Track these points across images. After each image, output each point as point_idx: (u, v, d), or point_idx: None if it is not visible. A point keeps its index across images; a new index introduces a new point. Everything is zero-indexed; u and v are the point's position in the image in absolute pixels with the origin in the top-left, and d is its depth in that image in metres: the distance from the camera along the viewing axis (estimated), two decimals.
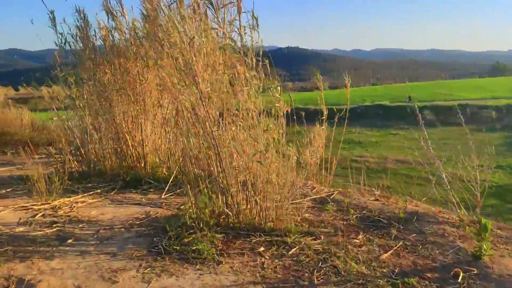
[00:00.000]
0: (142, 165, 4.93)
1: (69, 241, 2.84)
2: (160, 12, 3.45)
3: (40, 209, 3.59)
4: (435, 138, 32.58)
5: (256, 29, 3.08)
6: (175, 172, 4.45)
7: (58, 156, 5.92)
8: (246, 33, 3.14)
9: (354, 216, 3.39)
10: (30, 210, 3.57)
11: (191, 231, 2.91)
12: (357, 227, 3.20)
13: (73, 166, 5.11)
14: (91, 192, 4.23)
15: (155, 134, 5.10)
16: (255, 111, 2.93)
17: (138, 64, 4.87)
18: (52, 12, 5.09)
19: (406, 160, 26.92)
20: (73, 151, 5.24)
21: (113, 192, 4.30)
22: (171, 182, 4.33)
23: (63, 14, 5.23)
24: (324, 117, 4.57)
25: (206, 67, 2.94)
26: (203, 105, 2.89)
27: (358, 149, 29.11)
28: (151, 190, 4.39)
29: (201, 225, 2.94)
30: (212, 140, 2.97)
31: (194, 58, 2.87)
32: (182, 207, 3.33)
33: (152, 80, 4.99)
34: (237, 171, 3.00)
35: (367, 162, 25.38)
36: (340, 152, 4.99)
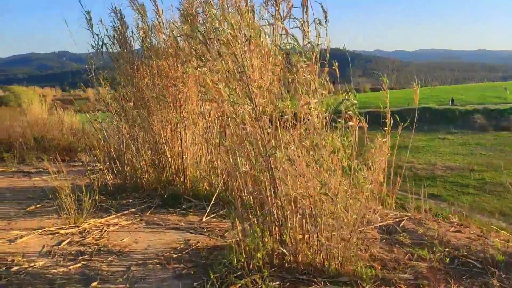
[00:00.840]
0: (182, 179, 4.46)
1: (94, 284, 2.36)
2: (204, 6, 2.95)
3: (67, 233, 3.17)
4: (487, 144, 30.85)
5: (324, 25, 2.51)
6: (218, 189, 3.94)
7: (94, 165, 5.57)
8: (309, 30, 2.59)
9: (438, 256, 2.74)
10: (57, 235, 3.15)
11: (239, 273, 2.38)
12: (444, 272, 2.56)
13: (108, 178, 4.71)
14: (125, 212, 3.79)
15: (195, 144, 4.63)
16: (319, 127, 2.36)
17: (177, 68, 4.42)
18: (88, 13, 4.73)
19: (457, 166, 25.46)
20: (108, 162, 4.85)
21: (150, 211, 3.84)
22: (213, 201, 3.83)
23: (100, 14, 4.87)
24: (389, 126, 3.93)
25: (262, 73, 2.40)
26: (257, 121, 2.35)
27: (404, 155, 27.64)
28: (191, 210, 3.90)
29: (251, 265, 2.41)
30: (266, 162, 2.43)
31: (249, 62, 2.33)
32: (228, 241, 2.80)
33: (193, 86, 4.53)
34: (295, 200, 2.44)
35: (414, 169, 24.12)
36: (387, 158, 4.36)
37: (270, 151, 2.35)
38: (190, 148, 4.55)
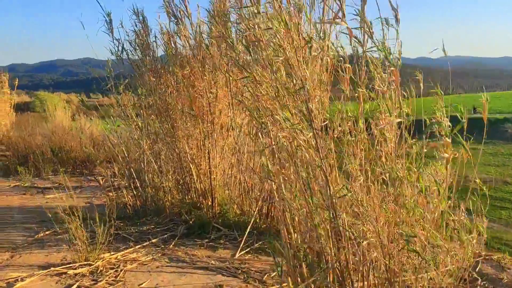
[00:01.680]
0: (209, 202, 3.93)
1: None
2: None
3: (76, 274, 2.65)
4: None
5: (394, 26, 1.96)
6: (252, 217, 3.39)
7: (112, 181, 5.10)
8: (373, 32, 2.04)
9: None
10: (64, 276, 2.63)
11: None
12: None
13: (127, 200, 4.22)
14: (145, 243, 3.27)
15: (224, 161, 4.10)
16: (398, 156, 1.79)
17: (205, 77, 3.91)
18: (108, 15, 4.27)
19: (489, 178, 24.28)
20: (127, 181, 4.36)
21: (173, 242, 3.31)
22: (247, 231, 3.28)
23: (121, 17, 4.40)
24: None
25: (321, 86, 1.85)
26: (318, 150, 1.79)
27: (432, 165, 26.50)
28: (221, 241, 3.36)
29: None
30: (326, 200, 1.86)
31: (308, 73, 1.78)
32: None
33: (223, 97, 4.01)
34: (364, 250, 1.87)
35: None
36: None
37: (333, 190, 1.79)
38: (219, 166, 4.02)
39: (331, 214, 1.84)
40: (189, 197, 4.11)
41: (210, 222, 3.64)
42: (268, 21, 2.00)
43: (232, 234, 3.47)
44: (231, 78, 3.55)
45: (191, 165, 4.01)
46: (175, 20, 3.94)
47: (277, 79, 1.87)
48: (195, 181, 4.04)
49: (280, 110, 1.85)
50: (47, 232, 3.56)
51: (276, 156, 2.07)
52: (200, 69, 3.92)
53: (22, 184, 5.70)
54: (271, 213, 3.62)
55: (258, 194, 3.59)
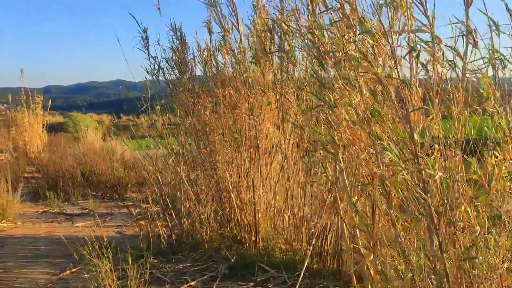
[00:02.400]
0: (252, 236, 3.49)
1: None
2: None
3: None
4: None
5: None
6: (307, 258, 2.93)
7: (145, 207, 4.75)
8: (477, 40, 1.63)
9: None
10: None
11: None
12: None
13: (160, 231, 3.82)
14: (183, 286, 2.85)
15: (269, 188, 3.68)
16: None
17: (249, 97, 3.53)
18: (145, 31, 3.98)
19: None
20: (162, 211, 3.98)
21: (214, 285, 2.88)
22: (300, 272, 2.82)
23: (158, 33, 4.12)
24: None
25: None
26: (427, 193, 1.35)
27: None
28: (269, 285, 2.90)
29: None
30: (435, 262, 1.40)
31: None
32: None
33: (268, 119, 3.62)
34: None
35: None
36: None
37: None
38: (263, 196, 3.60)
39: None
40: (229, 229, 3.70)
41: (255, 261, 3.19)
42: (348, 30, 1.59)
43: (280, 276, 3.01)
44: (279, 96, 3.16)
45: (231, 194, 3.60)
46: (222, 32, 3.59)
47: (365, 101, 1.44)
48: (236, 212, 3.62)
49: (369, 139, 1.42)
50: (73, 270, 3.19)
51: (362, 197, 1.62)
52: (244, 89, 3.54)
53: (51, 210, 5.42)
54: (325, 252, 3.15)
55: (313, 230, 3.13)
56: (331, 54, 1.60)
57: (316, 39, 1.68)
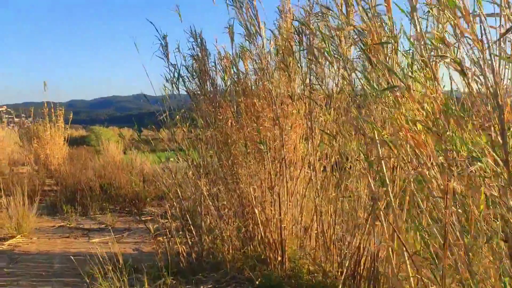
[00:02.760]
0: (278, 256, 3.23)
1: None
2: None
3: None
4: None
5: None
6: (339, 282, 2.65)
7: (164, 223, 4.54)
8: None
9: None
10: None
11: None
12: None
13: (180, 248, 3.59)
14: None
15: (296, 204, 3.42)
16: None
17: (272, 106, 3.31)
18: (164, 37, 3.81)
19: None
20: (181, 227, 3.75)
21: None
22: None
23: (177, 40, 3.94)
24: None
25: None
26: None
27: None
28: None
29: None
30: None
31: None
32: None
33: (295, 129, 3.38)
34: None
35: None
36: None
37: None
38: (288, 211, 3.34)
39: None
40: (252, 248, 3.44)
41: (282, 284, 2.92)
42: None
43: None
44: (308, 103, 2.92)
45: (255, 210, 3.35)
46: (246, 36, 3.38)
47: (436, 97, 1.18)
48: (260, 229, 3.37)
49: (440, 144, 1.16)
50: None
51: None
52: (268, 96, 3.32)
53: (68, 225, 5.26)
54: (359, 275, 2.86)
55: (345, 251, 2.85)
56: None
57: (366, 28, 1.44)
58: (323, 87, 2.86)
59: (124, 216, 5.96)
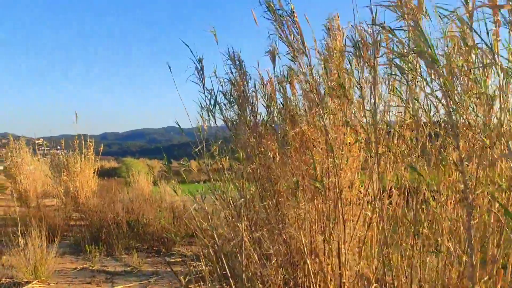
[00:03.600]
0: None
1: None
2: None
3: None
4: None
5: None
6: None
7: (196, 267, 4.03)
8: None
9: None
10: None
11: None
12: None
13: None
14: None
15: (356, 252, 2.84)
16: None
17: (326, 132, 2.80)
18: (200, 61, 3.39)
19: None
20: (218, 277, 3.21)
21: None
22: None
23: (214, 64, 3.54)
24: None
25: None
26: None
27: None
28: None
29: None
30: None
31: None
32: None
33: (355, 160, 2.85)
34: None
35: None
36: None
37: None
38: (348, 263, 2.76)
39: None
40: None
41: None
42: None
43: None
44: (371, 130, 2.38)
45: (307, 259, 2.79)
46: (292, 54, 2.91)
47: None
48: (313, 281, 2.80)
49: None
50: None
51: None
52: (321, 124, 2.81)
53: (91, 267, 4.79)
54: None
55: None
56: None
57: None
58: (409, 111, 2.34)
59: (152, 256, 5.46)
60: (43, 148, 16.32)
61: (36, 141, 15.23)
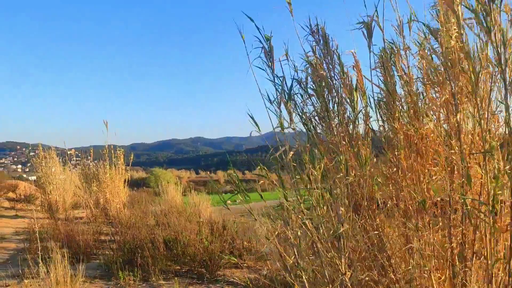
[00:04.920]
0: None
1: None
2: None
3: None
4: None
5: None
6: None
7: None
8: None
9: None
10: None
11: None
12: None
13: None
14: None
15: None
16: None
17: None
18: (268, 39, 2.58)
19: None
20: None
21: None
22: None
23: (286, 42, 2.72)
24: None
25: None
26: None
27: None
28: None
29: None
30: None
31: None
32: None
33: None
34: None
35: None
36: None
37: None
38: None
39: None
40: None
41: None
42: None
43: None
44: None
45: None
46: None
47: None
48: None
49: None
50: None
51: None
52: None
53: None
54: None
55: None
56: None
57: None
58: None
59: (195, 283, 4.64)
60: (74, 158, 15.93)
61: (68, 152, 14.85)
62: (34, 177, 19.35)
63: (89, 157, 12.69)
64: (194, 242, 5.16)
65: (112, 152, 10.43)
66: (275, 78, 2.56)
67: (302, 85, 2.63)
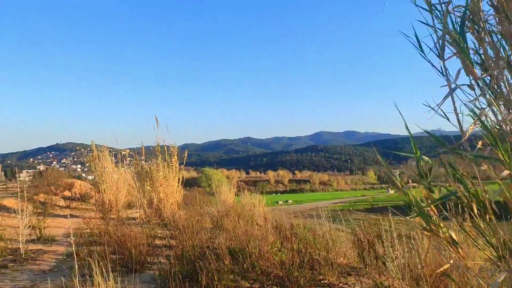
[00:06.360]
0: None
1: None
2: None
3: None
4: None
5: None
6: None
7: None
8: None
9: None
10: None
11: None
12: None
13: None
14: None
15: None
16: None
17: None
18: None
19: None
20: None
21: None
22: None
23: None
24: None
25: None
26: None
27: None
28: None
29: None
30: None
31: None
32: None
33: None
34: None
35: None
36: None
37: None
38: None
39: None
40: None
41: None
42: None
43: None
44: None
45: None
46: None
47: None
48: None
49: None
50: None
51: None
52: None
53: None
54: None
55: None
56: None
57: None
58: None
59: None
60: (127, 158, 15.58)
61: (123, 152, 14.48)
62: (91, 177, 19.34)
63: (142, 157, 12.15)
64: (267, 254, 4.18)
65: (165, 149, 9.74)
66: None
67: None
